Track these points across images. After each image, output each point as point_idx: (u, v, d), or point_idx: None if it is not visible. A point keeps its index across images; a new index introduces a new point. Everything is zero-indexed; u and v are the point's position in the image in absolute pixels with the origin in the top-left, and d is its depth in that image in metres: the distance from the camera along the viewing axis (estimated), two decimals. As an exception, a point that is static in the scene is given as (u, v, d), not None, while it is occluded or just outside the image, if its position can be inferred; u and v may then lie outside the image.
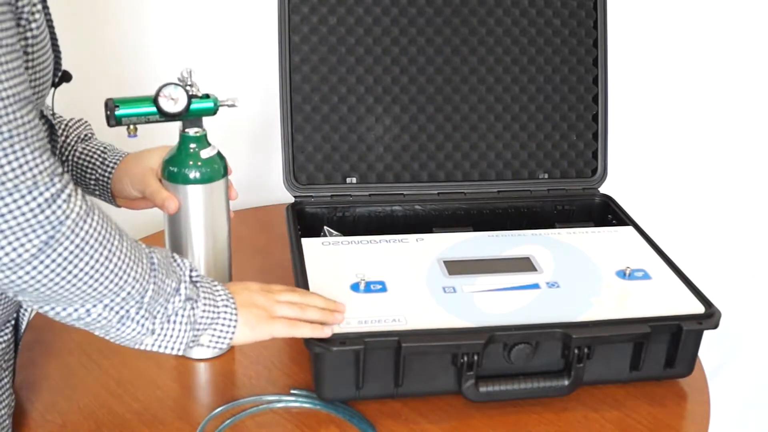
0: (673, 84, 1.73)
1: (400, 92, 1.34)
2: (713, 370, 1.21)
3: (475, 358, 0.98)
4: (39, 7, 0.82)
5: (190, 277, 0.94)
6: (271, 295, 0.99)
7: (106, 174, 1.13)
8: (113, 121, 1.00)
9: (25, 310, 1.03)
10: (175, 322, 0.91)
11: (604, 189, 1.39)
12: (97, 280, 0.82)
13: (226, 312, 0.95)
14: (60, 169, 0.79)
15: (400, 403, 1.03)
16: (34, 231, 0.76)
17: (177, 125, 1.04)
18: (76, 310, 0.84)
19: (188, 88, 1.01)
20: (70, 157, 1.14)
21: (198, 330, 0.93)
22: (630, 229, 1.26)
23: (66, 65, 0.94)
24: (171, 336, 0.91)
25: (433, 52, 1.34)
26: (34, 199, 0.75)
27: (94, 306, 0.85)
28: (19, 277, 0.77)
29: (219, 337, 0.95)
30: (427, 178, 1.36)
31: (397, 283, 1.09)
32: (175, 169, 1.03)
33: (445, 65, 1.35)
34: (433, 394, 1.03)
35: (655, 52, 1.70)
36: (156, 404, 1.03)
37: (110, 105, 1.00)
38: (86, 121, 1.18)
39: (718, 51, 1.71)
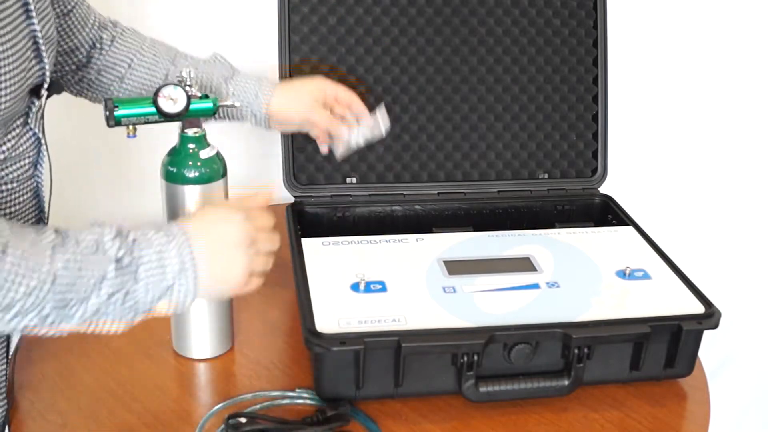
0: (673, 84, 1.73)
1: (400, 92, 1.34)
2: (713, 370, 1.21)
3: (475, 358, 0.98)
4: None
5: (117, 261, 0.79)
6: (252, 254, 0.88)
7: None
8: (112, 121, 1.00)
9: None
10: (105, 314, 0.80)
11: (604, 189, 1.39)
12: None
13: (181, 277, 0.82)
14: None
15: (400, 403, 1.03)
16: None
17: (176, 125, 1.04)
18: None
19: (187, 88, 1.01)
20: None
21: (146, 308, 0.82)
22: (630, 229, 1.26)
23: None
24: (104, 323, 0.81)
25: (433, 52, 1.34)
26: None
27: None
28: None
29: (180, 297, 0.83)
30: (427, 178, 1.36)
31: (397, 283, 1.09)
32: (174, 169, 1.03)
33: (445, 65, 1.35)
34: (433, 394, 1.03)
35: (655, 52, 1.70)
36: (156, 404, 1.03)
37: (109, 105, 0.99)
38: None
39: (718, 51, 1.71)
